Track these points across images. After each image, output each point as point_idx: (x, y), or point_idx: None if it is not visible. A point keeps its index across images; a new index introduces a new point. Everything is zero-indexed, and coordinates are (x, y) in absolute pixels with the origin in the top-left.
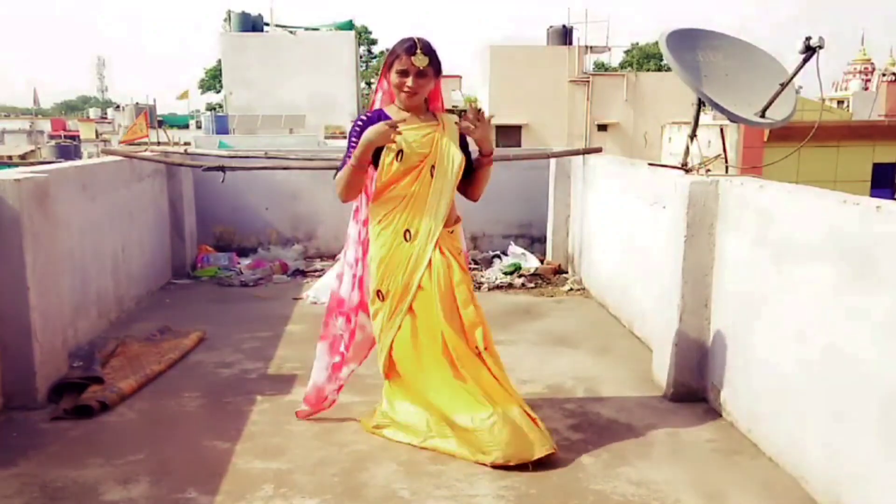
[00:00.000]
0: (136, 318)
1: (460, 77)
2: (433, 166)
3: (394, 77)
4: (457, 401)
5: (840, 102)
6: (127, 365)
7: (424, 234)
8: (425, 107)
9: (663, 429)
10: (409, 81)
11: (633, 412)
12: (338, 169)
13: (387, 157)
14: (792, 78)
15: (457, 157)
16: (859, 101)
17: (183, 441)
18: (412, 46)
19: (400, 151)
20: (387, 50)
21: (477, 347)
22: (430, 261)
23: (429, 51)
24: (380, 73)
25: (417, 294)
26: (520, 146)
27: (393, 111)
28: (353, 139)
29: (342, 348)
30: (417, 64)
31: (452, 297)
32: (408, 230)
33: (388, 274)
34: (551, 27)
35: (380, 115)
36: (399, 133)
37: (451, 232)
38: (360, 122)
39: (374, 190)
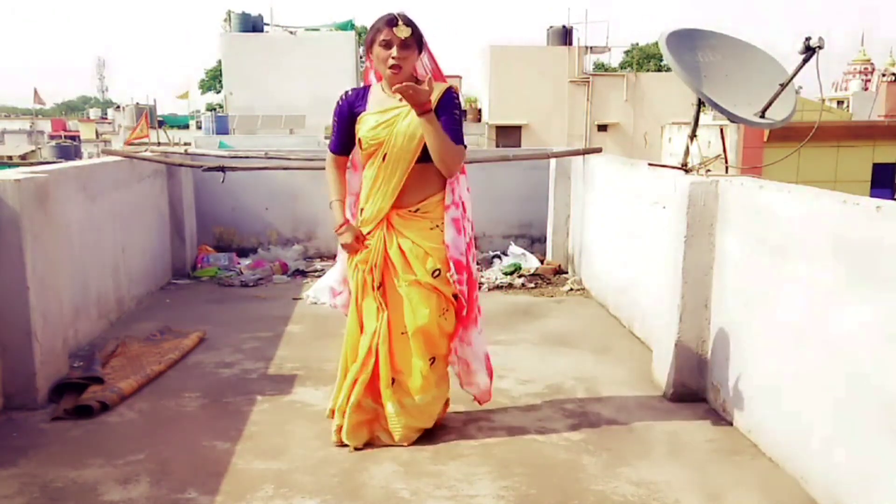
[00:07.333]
0: (136, 318)
1: (460, 77)
2: (386, 153)
3: (378, 51)
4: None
5: (840, 103)
6: (127, 365)
7: (371, 215)
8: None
9: (663, 429)
10: (394, 52)
11: (633, 412)
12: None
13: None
14: (792, 78)
15: (414, 137)
16: (859, 101)
17: (183, 441)
18: (393, 19)
19: (360, 139)
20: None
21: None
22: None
23: (409, 22)
24: (364, 53)
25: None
26: (520, 146)
27: (377, 91)
28: (335, 118)
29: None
30: (400, 35)
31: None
32: (362, 209)
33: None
34: (551, 27)
35: (361, 92)
36: (365, 247)
37: (415, 211)
38: (342, 99)
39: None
